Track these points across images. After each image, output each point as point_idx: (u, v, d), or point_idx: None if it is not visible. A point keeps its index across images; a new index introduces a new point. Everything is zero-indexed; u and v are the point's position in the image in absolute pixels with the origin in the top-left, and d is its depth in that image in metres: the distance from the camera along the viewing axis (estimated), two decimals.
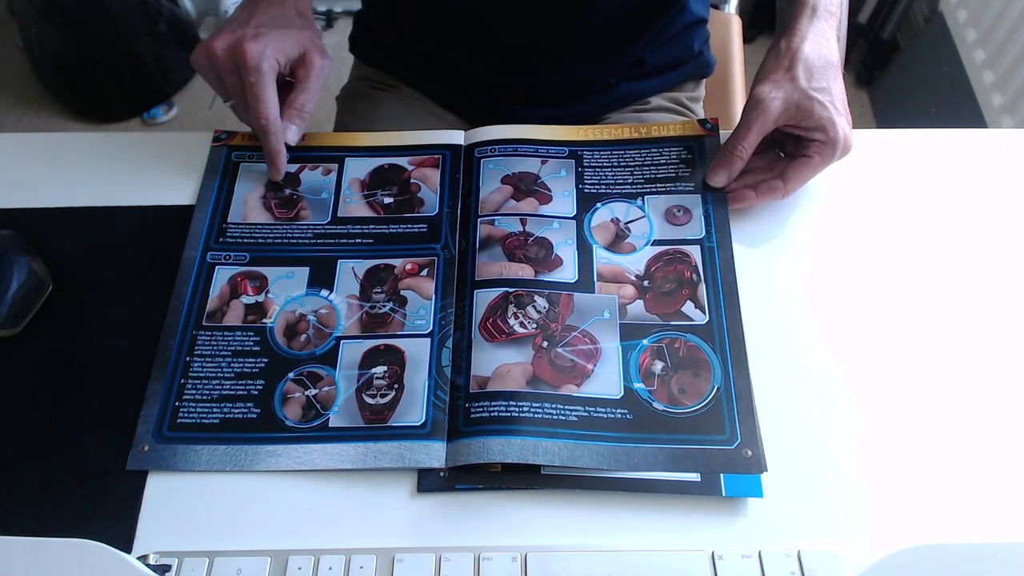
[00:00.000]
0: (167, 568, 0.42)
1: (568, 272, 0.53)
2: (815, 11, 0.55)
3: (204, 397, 0.48)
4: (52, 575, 0.39)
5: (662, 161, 0.58)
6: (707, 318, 0.50)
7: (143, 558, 0.42)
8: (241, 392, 0.49)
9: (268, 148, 0.56)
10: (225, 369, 0.49)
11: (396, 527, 0.44)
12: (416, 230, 0.56)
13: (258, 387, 0.49)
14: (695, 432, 0.46)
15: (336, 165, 0.60)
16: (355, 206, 0.57)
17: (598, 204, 0.56)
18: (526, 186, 0.57)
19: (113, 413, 0.48)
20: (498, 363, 0.49)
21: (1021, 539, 0.44)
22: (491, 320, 0.50)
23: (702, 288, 0.52)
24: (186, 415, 0.48)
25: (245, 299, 0.53)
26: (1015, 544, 0.42)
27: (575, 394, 0.47)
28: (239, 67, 0.54)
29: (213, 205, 0.57)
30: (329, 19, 1.86)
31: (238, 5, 0.59)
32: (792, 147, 0.56)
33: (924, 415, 0.48)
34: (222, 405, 0.48)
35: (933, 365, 0.50)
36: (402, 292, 0.53)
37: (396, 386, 0.48)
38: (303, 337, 0.51)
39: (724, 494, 0.44)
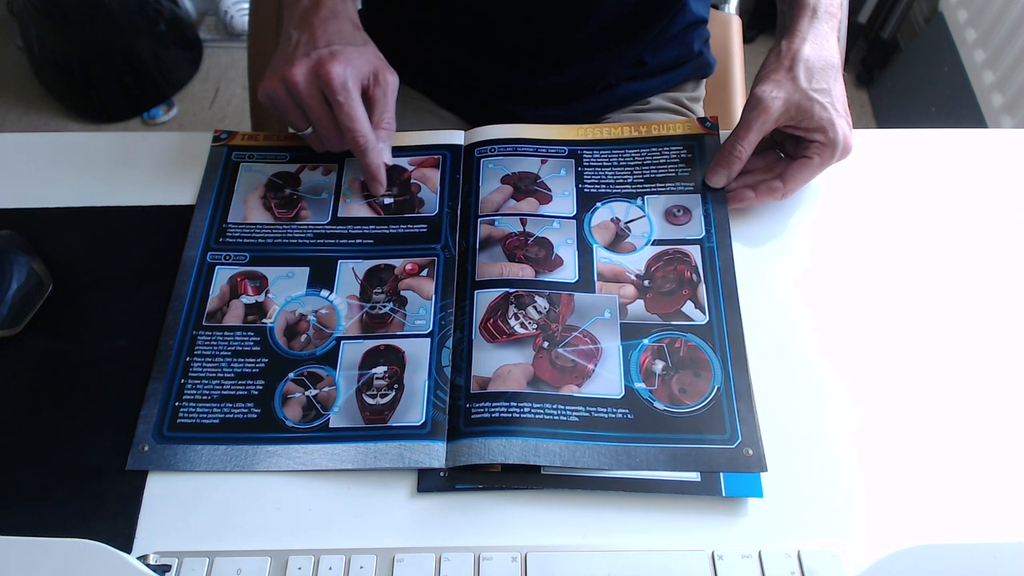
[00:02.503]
0: (167, 568, 0.42)
1: (568, 272, 0.53)
2: (815, 12, 0.55)
3: (204, 397, 0.48)
4: (52, 575, 0.39)
5: (662, 160, 0.58)
6: (707, 318, 0.50)
7: (143, 558, 0.42)
8: (241, 392, 0.49)
9: (369, 164, 0.54)
10: (225, 369, 0.49)
11: (396, 527, 0.44)
12: (416, 230, 0.56)
13: (258, 387, 0.49)
14: (696, 432, 0.46)
15: (336, 165, 0.60)
16: (355, 206, 0.57)
17: (598, 204, 0.56)
18: (526, 186, 0.57)
19: (113, 413, 0.48)
20: (499, 364, 0.49)
21: (1021, 539, 0.44)
22: (491, 320, 0.50)
23: (702, 288, 0.52)
24: (186, 415, 0.48)
25: (245, 299, 0.53)
26: (1015, 544, 0.42)
27: (576, 394, 0.47)
28: (324, 90, 0.52)
29: (213, 205, 0.57)
30: None
31: (289, 27, 0.55)
32: (792, 148, 0.56)
33: (924, 415, 0.48)
34: (222, 405, 0.48)
35: (933, 365, 0.50)
36: (402, 292, 0.53)
37: (396, 386, 0.48)
38: (303, 337, 0.51)
39: (724, 494, 0.44)
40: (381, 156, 0.55)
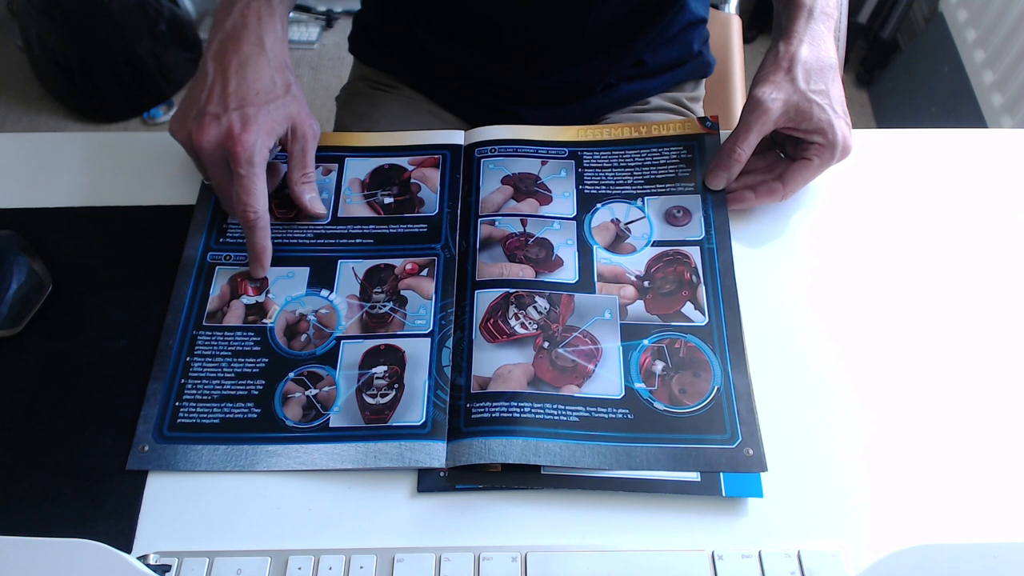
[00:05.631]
0: (167, 568, 0.42)
1: (569, 273, 0.53)
2: (812, 13, 0.55)
3: (204, 397, 0.48)
4: (52, 575, 0.39)
5: (662, 161, 0.58)
6: (706, 319, 0.50)
7: (143, 558, 0.42)
8: (241, 392, 0.49)
9: (254, 243, 0.52)
10: (225, 369, 0.50)
11: (396, 527, 0.44)
12: (416, 230, 0.56)
13: (258, 387, 0.49)
14: (696, 432, 0.46)
15: (336, 165, 0.60)
16: (355, 206, 0.57)
17: (598, 205, 0.56)
18: (526, 187, 0.57)
19: (113, 413, 0.48)
20: (499, 364, 0.49)
21: (1021, 539, 0.44)
22: (492, 320, 0.51)
23: (701, 290, 0.52)
24: (186, 415, 0.48)
25: (245, 299, 0.53)
26: (1015, 544, 0.42)
27: (576, 394, 0.47)
28: (228, 159, 0.50)
29: (213, 205, 0.57)
30: (329, 19, 1.86)
31: (207, 56, 0.51)
32: (791, 149, 0.56)
33: (924, 415, 0.48)
34: (222, 405, 0.48)
35: (933, 365, 0.50)
36: (402, 292, 0.53)
37: (396, 386, 0.48)
38: (303, 337, 0.51)
39: (724, 494, 0.44)
40: (268, 236, 0.52)
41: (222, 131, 0.49)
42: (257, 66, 0.51)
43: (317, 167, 0.59)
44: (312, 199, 0.55)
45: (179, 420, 0.48)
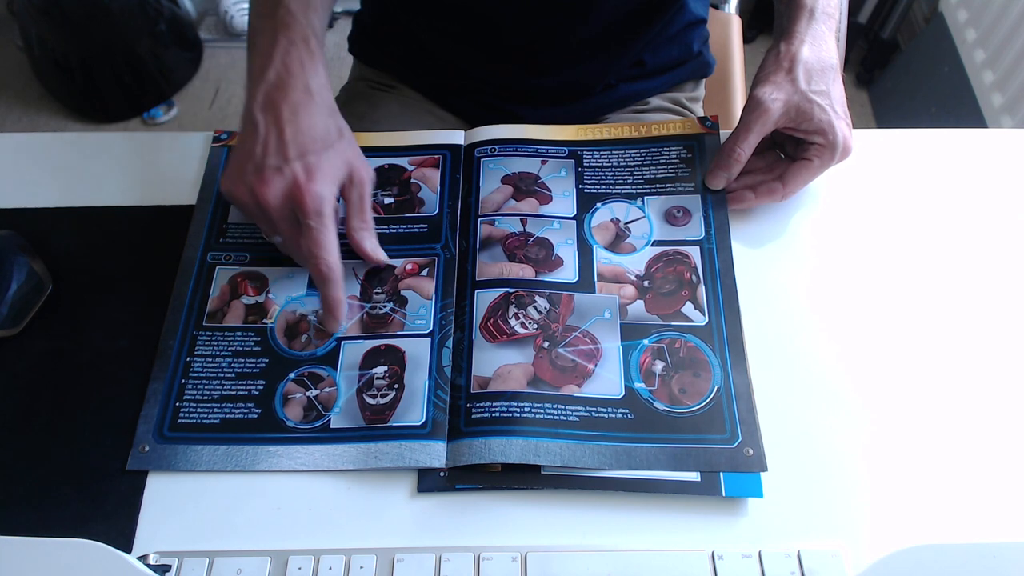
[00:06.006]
0: (167, 568, 0.42)
1: (569, 272, 0.53)
2: (813, 13, 0.55)
3: (205, 397, 0.48)
4: (52, 575, 0.39)
5: (662, 161, 0.58)
6: (706, 319, 0.50)
7: (143, 558, 0.42)
8: (242, 392, 0.49)
9: (328, 296, 0.49)
10: (226, 369, 0.50)
11: (396, 527, 0.44)
12: (416, 230, 0.56)
13: (259, 387, 0.49)
14: (696, 431, 0.46)
15: None
16: None
17: (598, 204, 0.56)
18: (526, 186, 0.57)
19: (113, 413, 0.48)
20: (499, 364, 0.49)
21: (1021, 539, 0.44)
22: (492, 320, 0.51)
23: (701, 289, 0.52)
24: (187, 415, 0.48)
25: (246, 299, 0.53)
26: (1015, 544, 0.42)
27: (576, 394, 0.47)
28: (296, 211, 0.47)
29: (213, 205, 0.57)
30: (329, 19, 1.86)
31: (253, 107, 0.48)
32: (792, 149, 0.56)
33: (924, 415, 0.48)
34: (223, 405, 0.48)
35: (932, 365, 0.50)
36: (402, 292, 0.53)
37: (397, 386, 0.48)
38: (304, 337, 0.51)
39: (724, 494, 0.44)
40: (342, 289, 0.50)
41: (287, 183, 0.46)
42: (310, 113, 0.48)
43: None
44: (373, 247, 0.52)
45: (179, 420, 0.48)
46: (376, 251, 0.52)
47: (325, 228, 0.47)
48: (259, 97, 0.48)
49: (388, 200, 0.58)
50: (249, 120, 0.48)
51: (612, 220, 0.56)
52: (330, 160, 0.48)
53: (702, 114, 0.80)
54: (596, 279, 0.53)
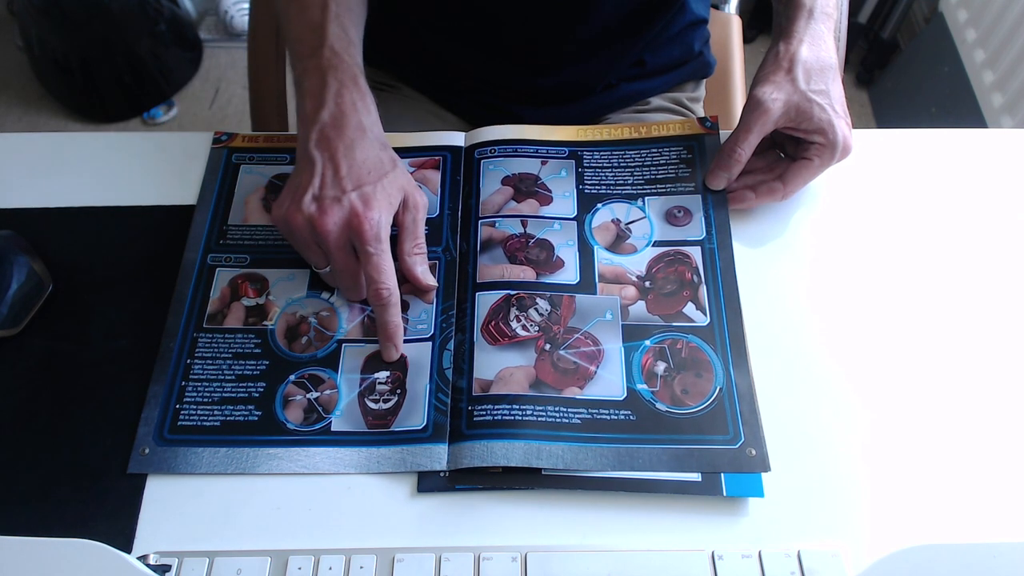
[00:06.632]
0: (167, 568, 0.42)
1: (570, 274, 0.53)
2: (812, 13, 0.55)
3: (205, 399, 0.48)
4: (52, 575, 0.39)
5: (662, 161, 0.58)
6: (708, 319, 0.50)
7: (143, 558, 0.42)
8: (242, 394, 0.49)
9: (387, 322, 0.49)
10: (226, 371, 0.49)
11: (396, 527, 0.44)
12: None
13: (259, 389, 0.49)
14: (699, 432, 0.46)
15: None
16: None
17: (599, 205, 0.56)
18: (527, 187, 0.57)
19: (113, 413, 0.48)
20: (501, 366, 0.49)
21: (1021, 539, 0.44)
22: (493, 323, 0.50)
23: (703, 290, 0.52)
24: (187, 418, 0.48)
25: (246, 301, 0.53)
26: (1015, 544, 0.42)
27: (578, 396, 0.47)
28: (353, 240, 0.48)
29: (214, 207, 0.57)
30: None
31: (309, 145, 0.50)
32: (792, 148, 0.56)
33: (924, 415, 0.48)
34: (223, 407, 0.48)
35: (933, 365, 0.50)
36: (403, 296, 0.52)
37: (399, 391, 0.48)
38: (304, 339, 0.51)
39: (725, 494, 0.44)
40: (399, 314, 0.50)
41: (345, 212, 0.48)
42: (364, 148, 0.50)
43: None
44: (424, 272, 0.52)
45: (180, 423, 0.48)
46: (427, 276, 0.52)
47: (384, 254, 0.49)
48: (314, 136, 0.50)
49: None
50: (305, 156, 0.50)
51: (613, 221, 0.56)
52: (385, 189, 0.49)
53: (703, 114, 0.80)
54: (597, 280, 0.52)
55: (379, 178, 0.49)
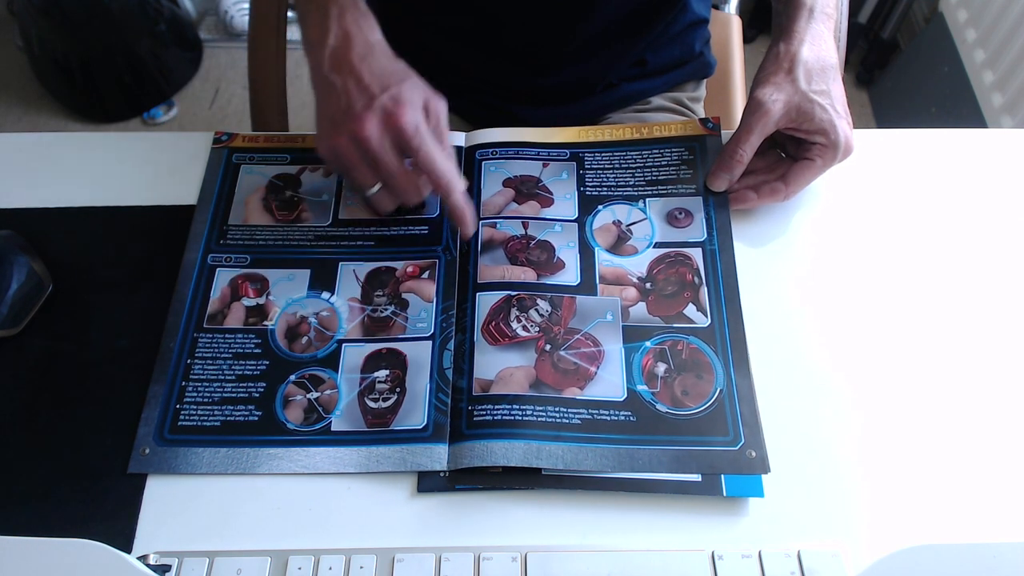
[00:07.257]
0: (167, 568, 0.42)
1: (570, 275, 0.53)
2: (812, 13, 0.55)
3: (205, 400, 0.48)
4: (52, 575, 0.39)
5: (663, 162, 0.58)
6: (709, 321, 0.50)
7: (143, 558, 0.42)
8: (242, 394, 0.49)
9: (457, 204, 0.50)
10: (226, 371, 0.49)
11: (396, 527, 0.44)
12: (417, 232, 0.56)
13: (259, 390, 0.49)
14: (699, 433, 0.46)
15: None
16: (356, 208, 0.57)
17: (600, 206, 0.56)
18: (528, 189, 0.57)
19: (113, 413, 0.48)
20: (501, 366, 0.49)
21: (1021, 539, 0.44)
22: (494, 323, 0.50)
23: (703, 291, 0.52)
24: (187, 418, 0.48)
25: (246, 301, 0.53)
26: (1015, 544, 0.42)
27: (578, 397, 0.47)
28: (397, 139, 0.49)
29: (214, 207, 0.57)
30: None
31: (325, 72, 0.50)
32: (793, 149, 0.56)
33: (924, 415, 0.48)
34: (223, 407, 0.48)
35: (933, 365, 0.50)
36: (403, 295, 0.52)
37: (398, 390, 0.48)
38: (304, 339, 0.51)
39: (725, 494, 0.44)
40: (465, 195, 0.51)
41: (380, 115, 0.48)
42: (377, 57, 0.51)
43: (317, 169, 0.60)
44: (453, 173, 0.52)
45: (180, 423, 0.48)
46: (457, 178, 0.51)
47: (429, 144, 0.49)
48: (325, 61, 0.51)
49: None
50: (322, 83, 0.51)
51: (614, 222, 0.56)
52: (410, 90, 0.50)
53: (703, 114, 0.80)
54: (598, 281, 0.53)
55: (401, 80, 0.50)
